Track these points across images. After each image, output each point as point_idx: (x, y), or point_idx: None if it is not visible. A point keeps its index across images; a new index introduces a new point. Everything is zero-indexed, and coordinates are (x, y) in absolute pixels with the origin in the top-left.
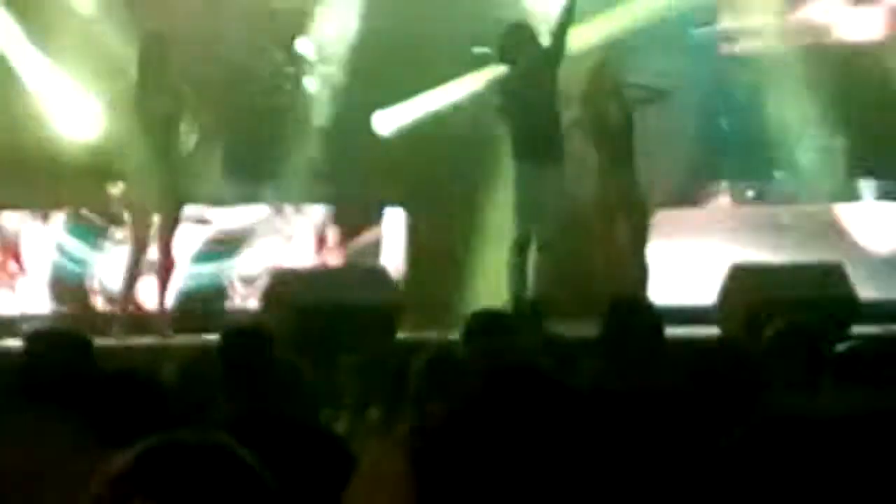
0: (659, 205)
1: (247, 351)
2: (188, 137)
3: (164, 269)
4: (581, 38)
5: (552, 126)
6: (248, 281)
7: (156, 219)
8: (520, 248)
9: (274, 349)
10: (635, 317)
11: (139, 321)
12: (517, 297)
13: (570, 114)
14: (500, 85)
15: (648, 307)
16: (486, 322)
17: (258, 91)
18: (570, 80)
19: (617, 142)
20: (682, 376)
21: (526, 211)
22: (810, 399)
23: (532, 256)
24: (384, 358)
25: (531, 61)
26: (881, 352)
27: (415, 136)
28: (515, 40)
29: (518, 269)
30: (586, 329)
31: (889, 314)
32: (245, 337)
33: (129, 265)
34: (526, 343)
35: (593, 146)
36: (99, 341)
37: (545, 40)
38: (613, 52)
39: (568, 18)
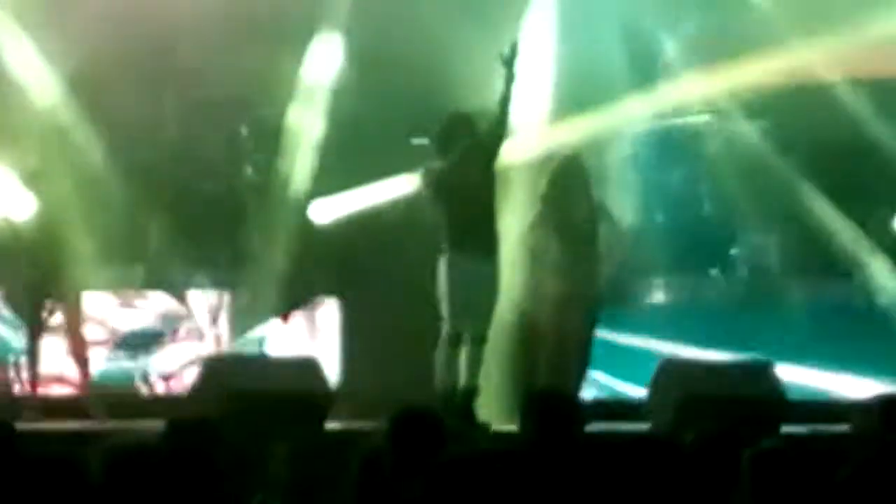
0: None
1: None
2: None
3: (76, 355)
4: (552, 137)
5: (485, 219)
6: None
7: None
8: (451, 343)
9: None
10: (551, 410)
11: (61, 405)
12: (447, 393)
13: (535, 210)
14: (431, 176)
15: (566, 400)
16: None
17: (195, 177)
18: (538, 178)
19: (580, 240)
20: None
21: (457, 304)
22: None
23: (464, 351)
24: (314, 447)
25: (465, 153)
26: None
27: (352, 226)
28: (449, 131)
29: (447, 364)
30: None
31: (817, 414)
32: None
33: (28, 349)
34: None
35: (556, 243)
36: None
37: (482, 132)
38: (583, 152)
39: (503, 112)
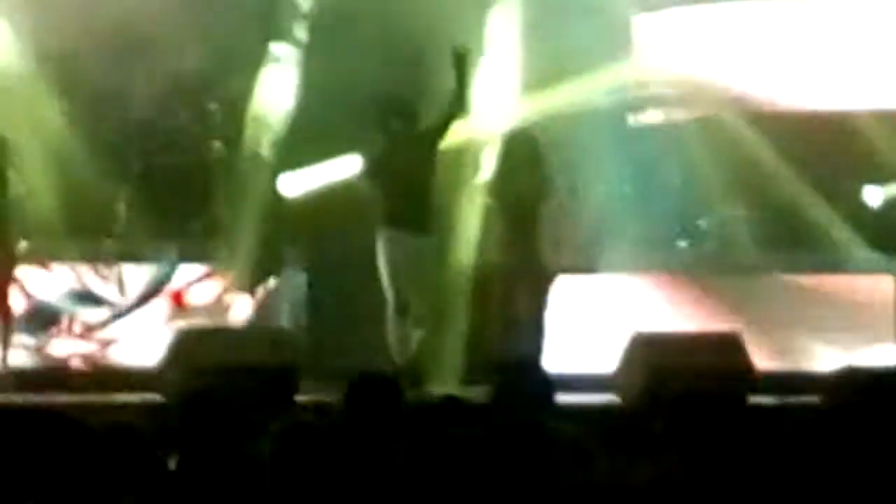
0: (562, 272)
1: None
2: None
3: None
4: (514, 113)
5: (422, 197)
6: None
7: None
8: (397, 316)
9: None
10: (522, 381)
11: None
12: (398, 363)
13: (484, 183)
14: (372, 154)
15: (537, 371)
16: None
17: (162, 149)
18: (489, 151)
19: (527, 211)
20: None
21: (398, 280)
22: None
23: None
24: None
25: (402, 134)
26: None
27: (319, 200)
28: (390, 111)
29: (397, 336)
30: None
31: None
32: None
33: None
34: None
35: (502, 215)
36: None
37: (421, 113)
38: (532, 125)
39: (458, 99)
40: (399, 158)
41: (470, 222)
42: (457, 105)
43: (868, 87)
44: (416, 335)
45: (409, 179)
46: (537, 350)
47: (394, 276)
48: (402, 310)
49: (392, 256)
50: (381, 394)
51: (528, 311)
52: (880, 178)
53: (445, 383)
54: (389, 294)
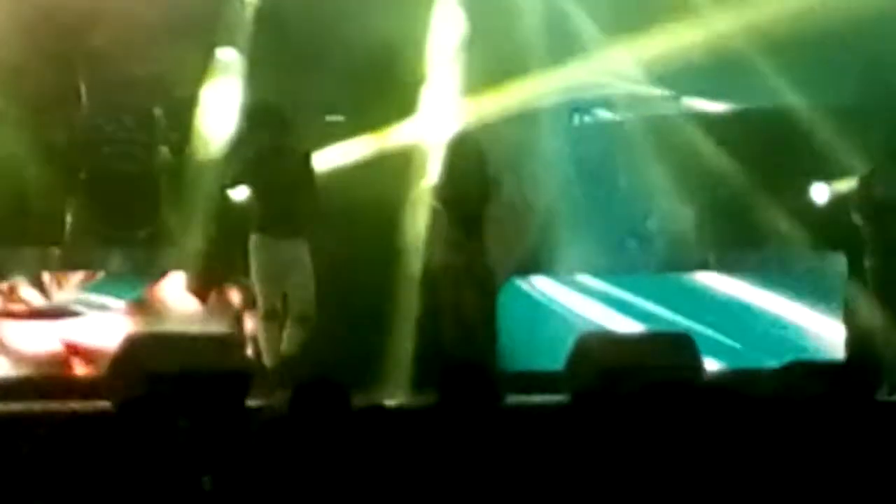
0: (511, 273)
1: None
2: None
3: None
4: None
5: (293, 203)
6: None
7: None
8: (267, 319)
9: None
10: (469, 383)
11: None
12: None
13: (430, 185)
14: (243, 158)
15: (483, 373)
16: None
17: (110, 156)
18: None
19: (471, 214)
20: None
21: (266, 283)
22: None
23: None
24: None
25: (274, 139)
26: None
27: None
28: (260, 119)
29: (268, 339)
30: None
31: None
32: None
33: None
34: None
35: (447, 217)
36: None
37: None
38: (476, 127)
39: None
40: (268, 166)
41: (417, 226)
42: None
43: (815, 83)
44: (297, 337)
45: (280, 186)
46: (485, 352)
47: (261, 280)
48: (271, 314)
49: (259, 260)
50: (327, 399)
51: (476, 314)
52: (827, 176)
53: (396, 388)
54: (259, 298)
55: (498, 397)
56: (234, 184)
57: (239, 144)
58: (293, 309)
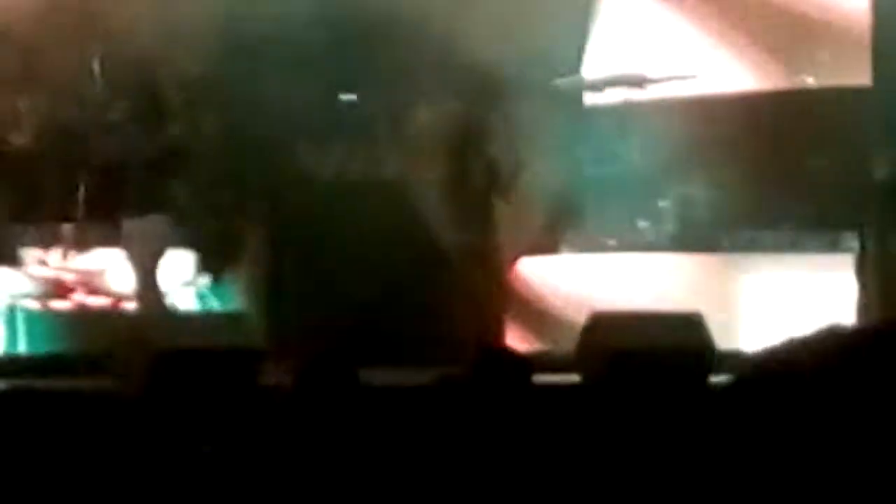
0: (521, 253)
1: None
2: None
3: None
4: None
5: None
6: None
7: None
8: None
9: None
10: (504, 362)
11: None
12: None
13: (444, 168)
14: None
15: (516, 353)
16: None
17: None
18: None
19: (477, 194)
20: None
21: None
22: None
23: None
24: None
25: None
26: None
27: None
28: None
29: None
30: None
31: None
32: None
33: None
34: None
35: (452, 198)
36: None
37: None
38: (478, 107)
39: None
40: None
41: (426, 206)
42: None
43: (825, 65)
44: None
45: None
46: (500, 332)
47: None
48: None
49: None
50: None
51: (485, 293)
52: (841, 157)
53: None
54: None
55: (529, 377)
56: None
57: None
58: None
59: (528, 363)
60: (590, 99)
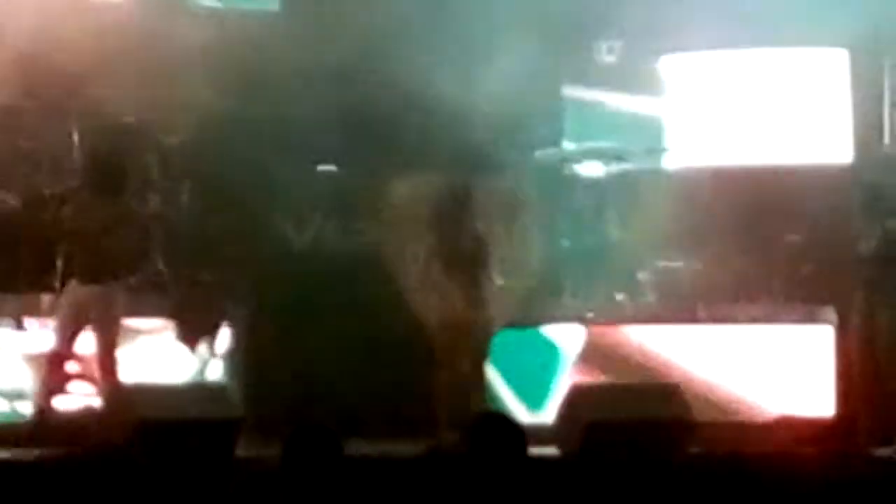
0: (502, 325)
1: None
2: None
3: None
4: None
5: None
6: None
7: None
8: None
9: None
10: (502, 432)
11: None
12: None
13: (425, 240)
14: None
15: (514, 423)
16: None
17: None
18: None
19: (469, 267)
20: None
21: None
22: None
23: None
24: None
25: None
26: None
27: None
28: None
29: None
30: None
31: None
32: None
33: None
34: None
35: (442, 270)
36: None
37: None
38: (464, 177)
39: None
40: None
41: (410, 277)
42: None
43: (806, 143)
44: None
45: None
46: (482, 403)
47: None
48: None
49: None
50: (319, 446)
51: (468, 364)
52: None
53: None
54: None
55: (525, 448)
56: None
57: None
58: None
59: (524, 432)
60: (568, 171)
